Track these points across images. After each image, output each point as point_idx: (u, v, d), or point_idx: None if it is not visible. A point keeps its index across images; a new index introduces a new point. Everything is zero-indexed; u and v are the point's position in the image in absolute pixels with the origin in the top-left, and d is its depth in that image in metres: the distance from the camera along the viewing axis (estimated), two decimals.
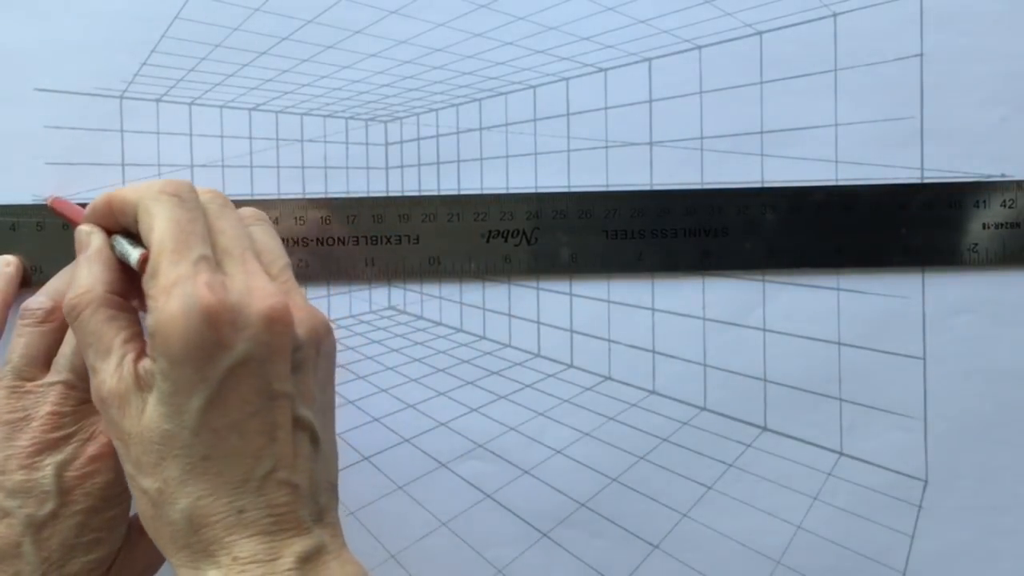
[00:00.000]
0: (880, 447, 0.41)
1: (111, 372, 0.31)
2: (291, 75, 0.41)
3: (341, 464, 0.41)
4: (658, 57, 0.41)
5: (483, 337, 0.41)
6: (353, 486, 0.41)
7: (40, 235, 0.40)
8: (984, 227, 0.41)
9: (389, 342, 0.41)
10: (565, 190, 0.41)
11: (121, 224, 0.33)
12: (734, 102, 0.41)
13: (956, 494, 0.41)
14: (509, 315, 0.41)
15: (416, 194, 0.41)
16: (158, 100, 0.41)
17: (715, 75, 0.41)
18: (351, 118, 0.41)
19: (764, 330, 0.41)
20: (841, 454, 0.41)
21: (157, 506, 0.30)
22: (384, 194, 0.41)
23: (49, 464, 0.34)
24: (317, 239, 0.41)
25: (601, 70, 0.41)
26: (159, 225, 0.30)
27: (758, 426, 0.41)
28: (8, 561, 0.34)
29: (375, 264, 0.41)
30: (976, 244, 0.41)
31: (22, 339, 0.36)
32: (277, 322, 0.30)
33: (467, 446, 0.41)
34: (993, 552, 0.41)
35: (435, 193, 0.41)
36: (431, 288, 0.41)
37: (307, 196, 0.41)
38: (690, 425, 0.41)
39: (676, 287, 0.41)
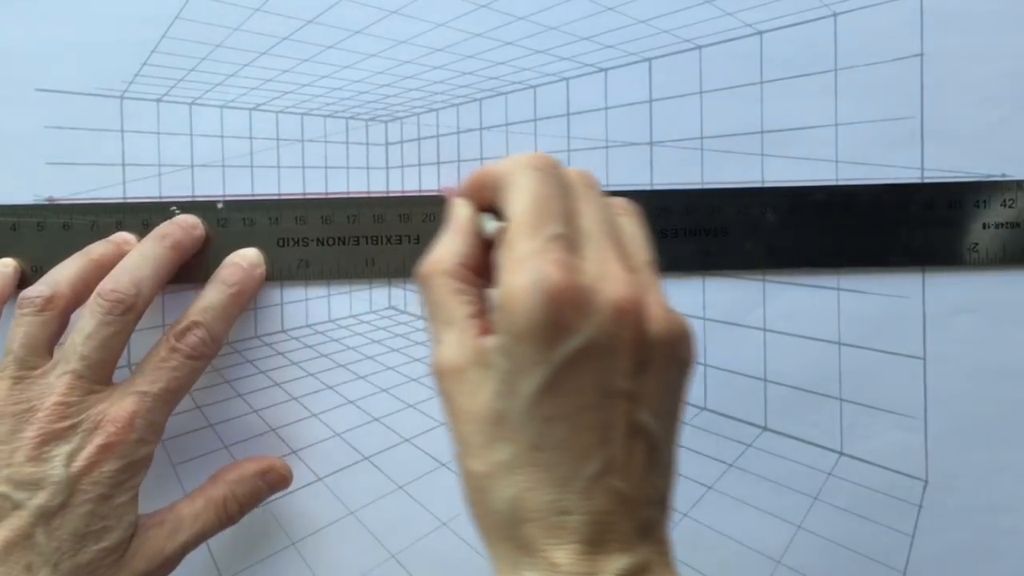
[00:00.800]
0: (880, 447, 0.41)
1: (452, 343, 0.30)
2: (291, 75, 0.41)
3: (341, 464, 0.41)
4: (658, 57, 0.41)
5: None
6: (353, 486, 0.41)
7: (40, 235, 0.40)
8: (984, 227, 0.41)
9: (389, 342, 0.41)
10: None
11: (489, 200, 0.32)
12: (734, 102, 0.41)
13: (956, 494, 0.41)
14: None
15: (416, 194, 0.41)
16: (158, 100, 0.41)
17: (715, 75, 0.41)
18: (351, 118, 0.41)
19: (764, 330, 0.41)
20: (841, 454, 0.41)
21: (482, 491, 0.29)
22: (384, 194, 0.41)
23: (57, 455, 0.34)
24: (317, 239, 0.41)
25: (601, 70, 0.41)
26: (519, 198, 0.29)
27: (758, 426, 0.41)
28: (20, 552, 0.34)
29: (375, 264, 0.41)
30: (976, 244, 0.41)
31: (21, 328, 0.36)
32: (626, 314, 0.28)
33: None
34: (993, 552, 0.41)
35: (435, 193, 0.41)
36: None
37: (307, 196, 0.41)
38: (690, 425, 0.41)
39: (676, 287, 0.41)
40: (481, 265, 0.31)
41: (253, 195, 0.41)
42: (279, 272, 0.41)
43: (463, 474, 0.29)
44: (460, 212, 0.32)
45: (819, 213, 0.41)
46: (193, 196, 0.41)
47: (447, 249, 0.31)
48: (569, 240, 0.29)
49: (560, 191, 0.30)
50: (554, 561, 0.27)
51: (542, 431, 0.27)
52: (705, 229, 0.41)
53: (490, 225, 0.31)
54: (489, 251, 0.31)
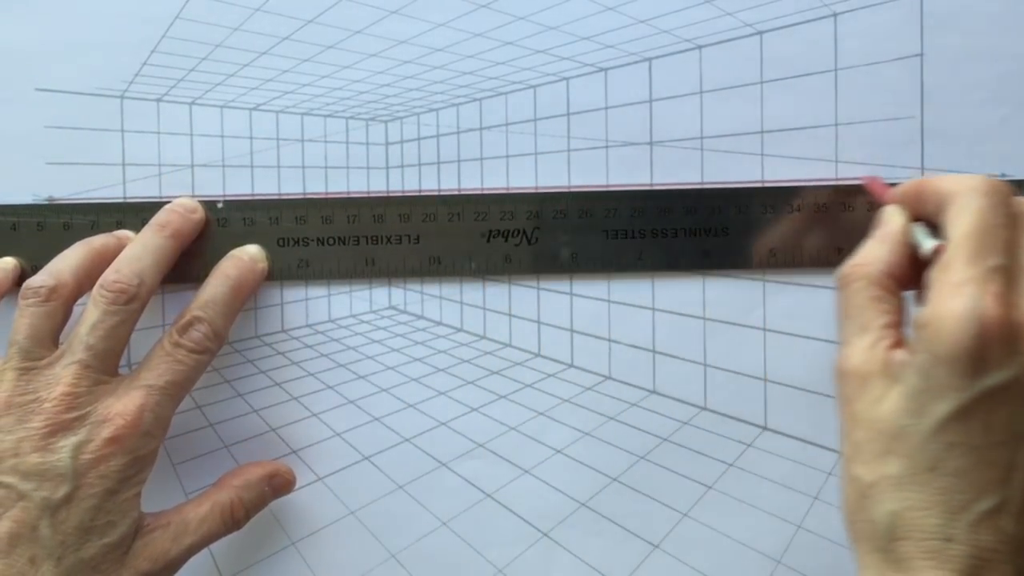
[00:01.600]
0: None
1: (862, 349, 0.30)
2: (291, 75, 0.41)
3: (341, 464, 0.41)
4: (658, 57, 0.41)
5: (483, 337, 0.41)
6: (353, 486, 0.41)
7: (40, 235, 0.40)
8: None
9: (389, 342, 0.41)
10: (565, 190, 0.41)
11: (924, 212, 0.32)
12: (734, 102, 0.41)
13: None
14: (509, 315, 0.41)
15: (416, 194, 0.41)
16: (159, 100, 0.41)
17: (715, 75, 0.41)
18: (351, 118, 0.41)
19: (764, 330, 0.41)
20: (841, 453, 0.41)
21: (864, 498, 0.29)
22: (384, 194, 0.41)
23: (64, 446, 0.34)
24: (317, 239, 0.41)
25: (601, 70, 0.41)
26: (965, 221, 0.29)
27: (758, 426, 0.41)
28: (24, 545, 0.34)
29: (375, 264, 0.41)
30: None
31: (25, 319, 0.36)
32: None
33: (467, 446, 0.41)
34: None
35: (435, 193, 0.41)
36: (431, 288, 0.41)
37: (307, 196, 0.41)
38: (690, 425, 0.41)
39: (676, 287, 0.41)
40: (906, 275, 0.32)
41: (253, 195, 0.41)
42: (279, 272, 0.41)
43: (846, 477, 0.30)
44: (893, 219, 0.33)
45: (819, 213, 0.41)
46: (193, 196, 0.41)
47: (874, 254, 0.32)
48: (1009, 273, 0.29)
49: (1007, 221, 0.30)
50: None
51: (942, 455, 0.28)
52: (705, 229, 0.41)
53: (927, 243, 0.31)
54: (913, 261, 0.32)
